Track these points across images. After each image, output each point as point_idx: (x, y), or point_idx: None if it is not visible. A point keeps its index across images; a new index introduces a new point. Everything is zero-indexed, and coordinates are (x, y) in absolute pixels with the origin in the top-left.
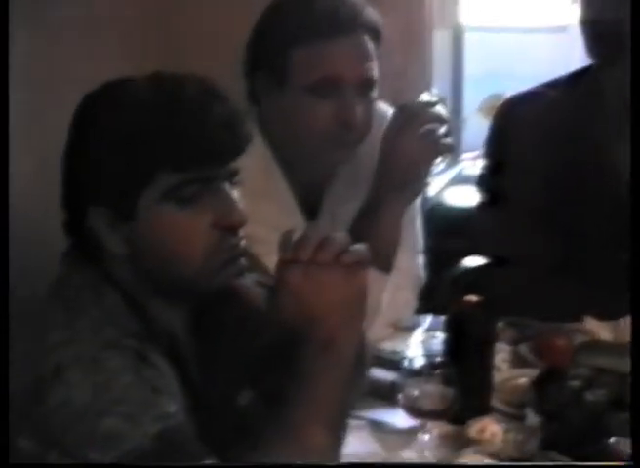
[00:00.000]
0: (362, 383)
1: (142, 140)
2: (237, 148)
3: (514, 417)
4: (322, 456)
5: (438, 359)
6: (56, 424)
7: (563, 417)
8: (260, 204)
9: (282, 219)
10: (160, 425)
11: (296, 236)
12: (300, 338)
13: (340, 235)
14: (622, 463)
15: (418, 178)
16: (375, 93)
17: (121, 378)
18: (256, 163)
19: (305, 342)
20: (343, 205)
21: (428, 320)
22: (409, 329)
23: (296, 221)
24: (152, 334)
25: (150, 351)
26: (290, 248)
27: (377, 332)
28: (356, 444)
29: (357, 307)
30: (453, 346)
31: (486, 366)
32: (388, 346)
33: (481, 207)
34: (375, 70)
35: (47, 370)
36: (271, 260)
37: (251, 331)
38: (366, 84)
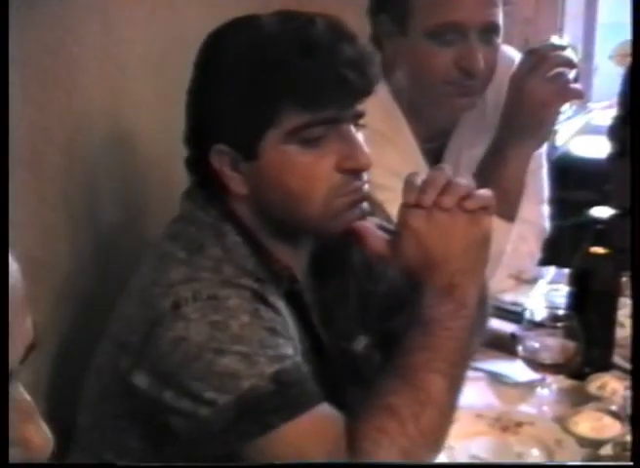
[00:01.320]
0: (482, 333)
1: (269, 79)
2: (364, 89)
3: None
4: (440, 405)
5: (560, 312)
6: (172, 361)
7: None
8: (382, 149)
9: (405, 166)
10: (277, 366)
11: (420, 179)
12: (421, 284)
13: (465, 180)
14: (623, 463)
15: (545, 123)
16: (499, 38)
17: (239, 317)
18: (379, 107)
19: (427, 288)
20: (468, 151)
21: (551, 272)
22: (531, 281)
23: (419, 168)
24: (272, 276)
25: (269, 292)
26: (413, 191)
27: (498, 283)
28: (473, 395)
29: (480, 254)
30: (576, 299)
31: (609, 320)
32: (509, 298)
33: (612, 157)
34: (499, 15)
35: (165, 307)
36: (393, 208)
37: (371, 275)
38: (490, 29)
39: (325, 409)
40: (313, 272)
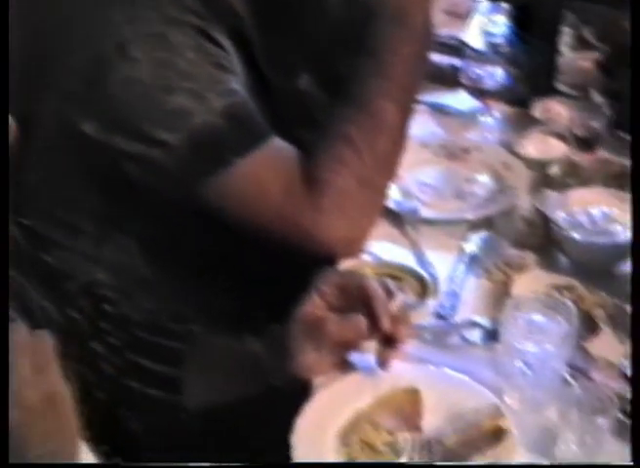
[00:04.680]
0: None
1: None
2: None
3: (579, 99)
4: (393, 132)
5: (500, 41)
6: (121, 103)
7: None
8: None
9: None
10: (227, 100)
11: None
12: (371, 13)
13: None
14: (623, 463)
15: None
16: None
17: (185, 54)
18: None
19: (377, 16)
20: None
21: (486, 5)
22: (465, 15)
23: None
24: (215, 12)
25: (214, 30)
26: None
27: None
28: (418, 128)
29: None
30: (516, 28)
31: (551, 46)
32: (446, 32)
33: None
34: None
35: (110, 49)
36: None
37: (315, 10)
38: None
39: (278, 143)
40: (257, 9)
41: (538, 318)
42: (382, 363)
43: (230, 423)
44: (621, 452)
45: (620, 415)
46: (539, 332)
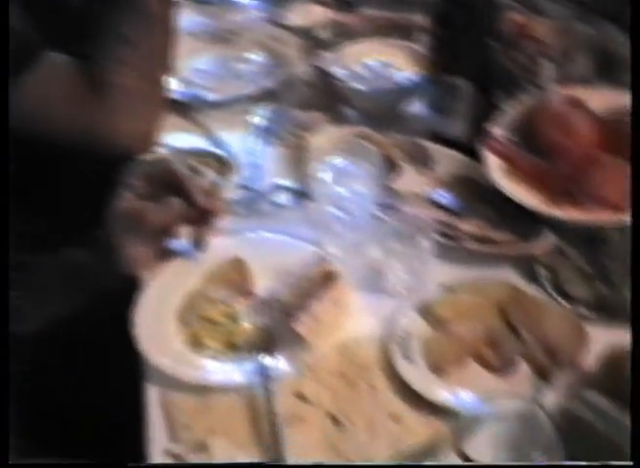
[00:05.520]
0: None
1: None
2: None
3: None
4: (161, 26)
5: None
6: None
7: None
8: None
9: None
10: None
11: None
12: None
13: None
14: (623, 463)
15: None
16: None
17: None
18: None
19: None
20: None
21: None
22: None
23: None
24: None
25: None
26: None
27: None
28: (184, 21)
29: None
30: None
31: None
32: None
33: None
34: None
35: None
36: None
37: None
38: None
39: (55, 57)
40: None
41: (342, 164)
42: (199, 243)
43: (72, 336)
44: (445, 271)
45: (439, 237)
46: (345, 177)
